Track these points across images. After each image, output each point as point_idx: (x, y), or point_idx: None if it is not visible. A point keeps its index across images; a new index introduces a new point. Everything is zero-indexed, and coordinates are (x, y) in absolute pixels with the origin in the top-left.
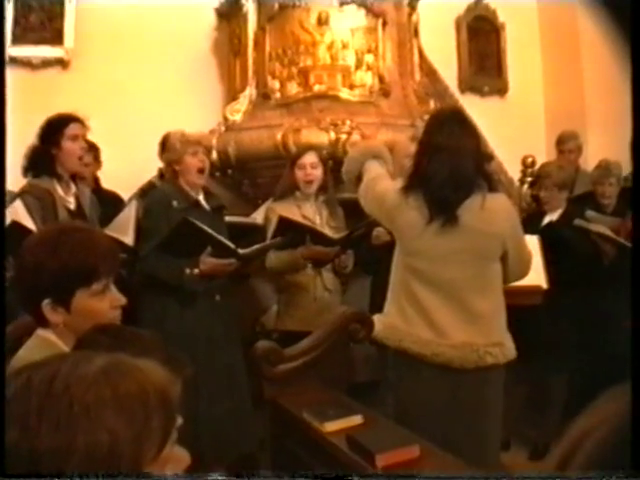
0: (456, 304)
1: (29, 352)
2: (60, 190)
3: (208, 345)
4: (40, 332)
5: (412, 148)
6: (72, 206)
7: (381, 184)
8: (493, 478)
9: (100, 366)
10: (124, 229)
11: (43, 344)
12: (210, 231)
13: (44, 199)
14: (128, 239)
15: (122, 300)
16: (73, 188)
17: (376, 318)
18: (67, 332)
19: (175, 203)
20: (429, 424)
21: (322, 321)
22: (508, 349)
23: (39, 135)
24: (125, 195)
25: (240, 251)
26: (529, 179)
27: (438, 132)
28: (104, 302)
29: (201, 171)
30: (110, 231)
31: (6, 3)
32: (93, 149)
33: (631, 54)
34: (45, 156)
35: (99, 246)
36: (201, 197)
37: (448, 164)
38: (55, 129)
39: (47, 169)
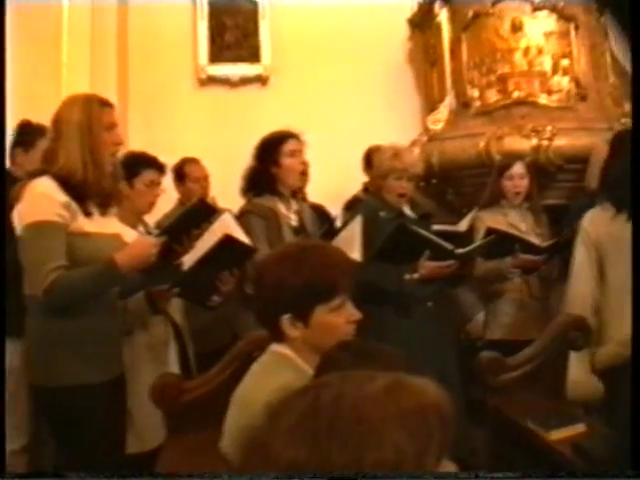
0: None
1: (265, 367)
2: (282, 207)
3: (422, 352)
4: (275, 347)
5: None
6: (294, 223)
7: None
8: (496, 478)
9: (383, 385)
10: (350, 244)
11: (279, 359)
12: (427, 234)
13: (269, 218)
14: (356, 255)
15: (357, 315)
16: (294, 205)
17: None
18: (303, 347)
19: (383, 214)
20: None
21: (529, 329)
22: None
23: (256, 155)
24: (329, 208)
25: (457, 251)
26: None
27: (620, 149)
28: (341, 317)
29: (402, 196)
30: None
31: (200, 22)
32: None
33: (632, 53)
34: (265, 176)
35: (338, 262)
36: (406, 207)
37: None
38: (272, 147)
39: (268, 188)
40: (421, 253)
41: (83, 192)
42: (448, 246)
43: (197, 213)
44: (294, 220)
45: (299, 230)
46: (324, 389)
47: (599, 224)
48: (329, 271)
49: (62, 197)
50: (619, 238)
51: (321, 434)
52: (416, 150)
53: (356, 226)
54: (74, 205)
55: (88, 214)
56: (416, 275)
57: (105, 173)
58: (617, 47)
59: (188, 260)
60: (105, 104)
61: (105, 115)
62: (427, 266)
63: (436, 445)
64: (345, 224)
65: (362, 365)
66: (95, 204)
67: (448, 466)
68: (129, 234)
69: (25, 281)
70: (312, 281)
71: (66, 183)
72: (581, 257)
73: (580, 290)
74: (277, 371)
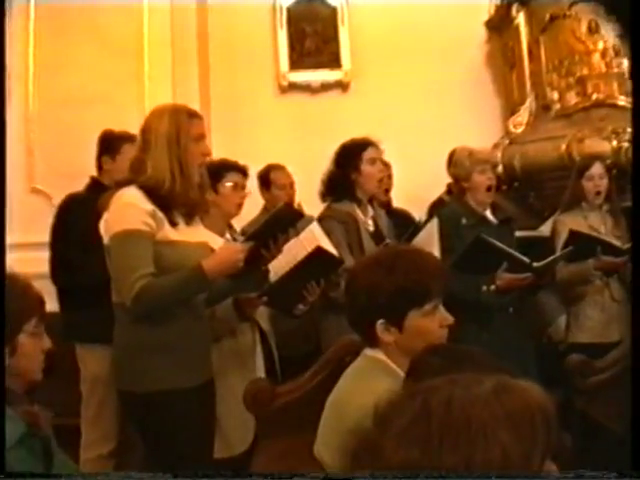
0: None
1: (360, 371)
2: (360, 213)
3: (505, 357)
4: (369, 352)
5: None
6: (371, 228)
7: None
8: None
9: (490, 387)
10: (427, 247)
11: (374, 363)
12: (504, 247)
13: (348, 223)
14: None
15: (450, 319)
16: (370, 211)
17: None
18: (397, 351)
19: (464, 220)
20: None
21: (611, 332)
22: None
23: (336, 160)
24: (414, 212)
25: (534, 264)
26: None
27: None
28: (434, 322)
29: (489, 189)
30: None
31: (279, 30)
32: (387, 169)
33: (631, 53)
34: (345, 181)
35: (431, 267)
36: (488, 212)
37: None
38: (353, 154)
39: (347, 194)
40: (499, 264)
41: (170, 202)
42: (525, 260)
43: (283, 218)
44: (371, 225)
45: (376, 235)
46: (434, 392)
47: None
48: (422, 275)
49: (148, 206)
50: None
51: (432, 435)
52: (498, 153)
53: (433, 228)
54: (160, 214)
55: (174, 224)
56: (493, 287)
57: (193, 184)
58: None
59: (276, 268)
60: (193, 115)
61: (193, 126)
62: (504, 278)
63: (541, 446)
64: (422, 226)
65: (453, 369)
66: (181, 214)
67: (551, 467)
68: (216, 242)
69: (113, 289)
70: (406, 286)
71: (153, 193)
72: None
73: None
74: (373, 375)
